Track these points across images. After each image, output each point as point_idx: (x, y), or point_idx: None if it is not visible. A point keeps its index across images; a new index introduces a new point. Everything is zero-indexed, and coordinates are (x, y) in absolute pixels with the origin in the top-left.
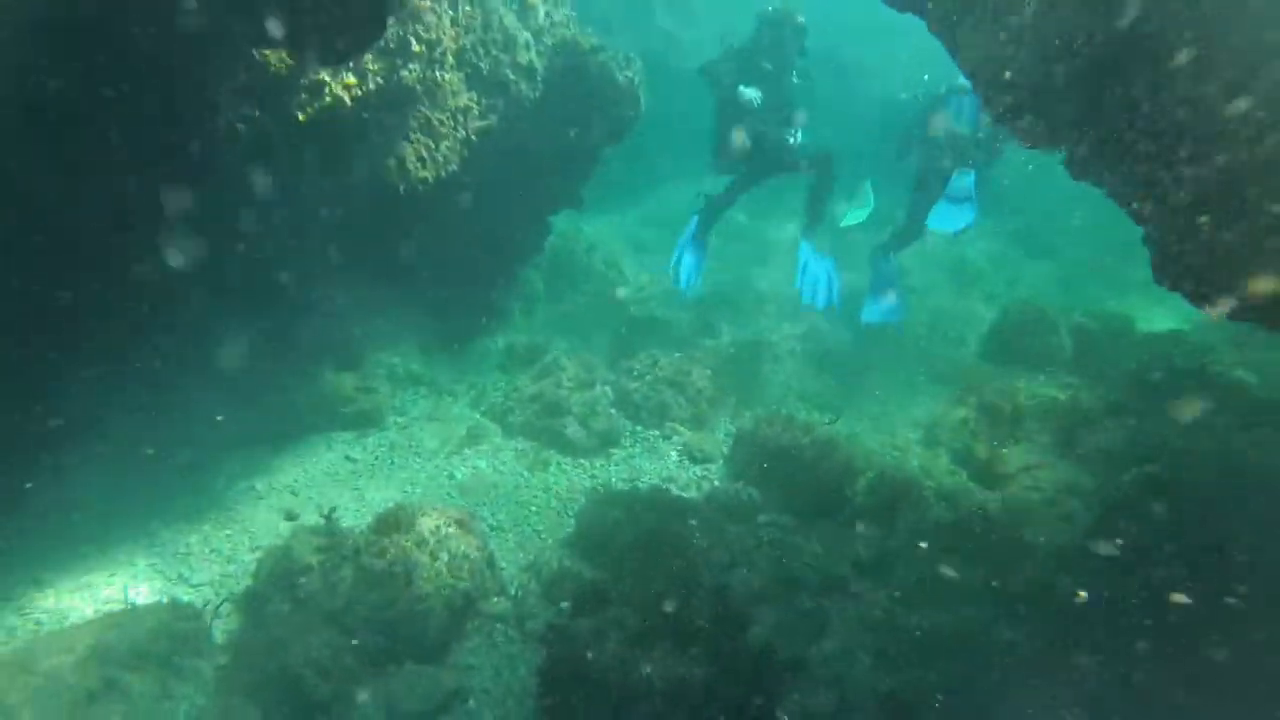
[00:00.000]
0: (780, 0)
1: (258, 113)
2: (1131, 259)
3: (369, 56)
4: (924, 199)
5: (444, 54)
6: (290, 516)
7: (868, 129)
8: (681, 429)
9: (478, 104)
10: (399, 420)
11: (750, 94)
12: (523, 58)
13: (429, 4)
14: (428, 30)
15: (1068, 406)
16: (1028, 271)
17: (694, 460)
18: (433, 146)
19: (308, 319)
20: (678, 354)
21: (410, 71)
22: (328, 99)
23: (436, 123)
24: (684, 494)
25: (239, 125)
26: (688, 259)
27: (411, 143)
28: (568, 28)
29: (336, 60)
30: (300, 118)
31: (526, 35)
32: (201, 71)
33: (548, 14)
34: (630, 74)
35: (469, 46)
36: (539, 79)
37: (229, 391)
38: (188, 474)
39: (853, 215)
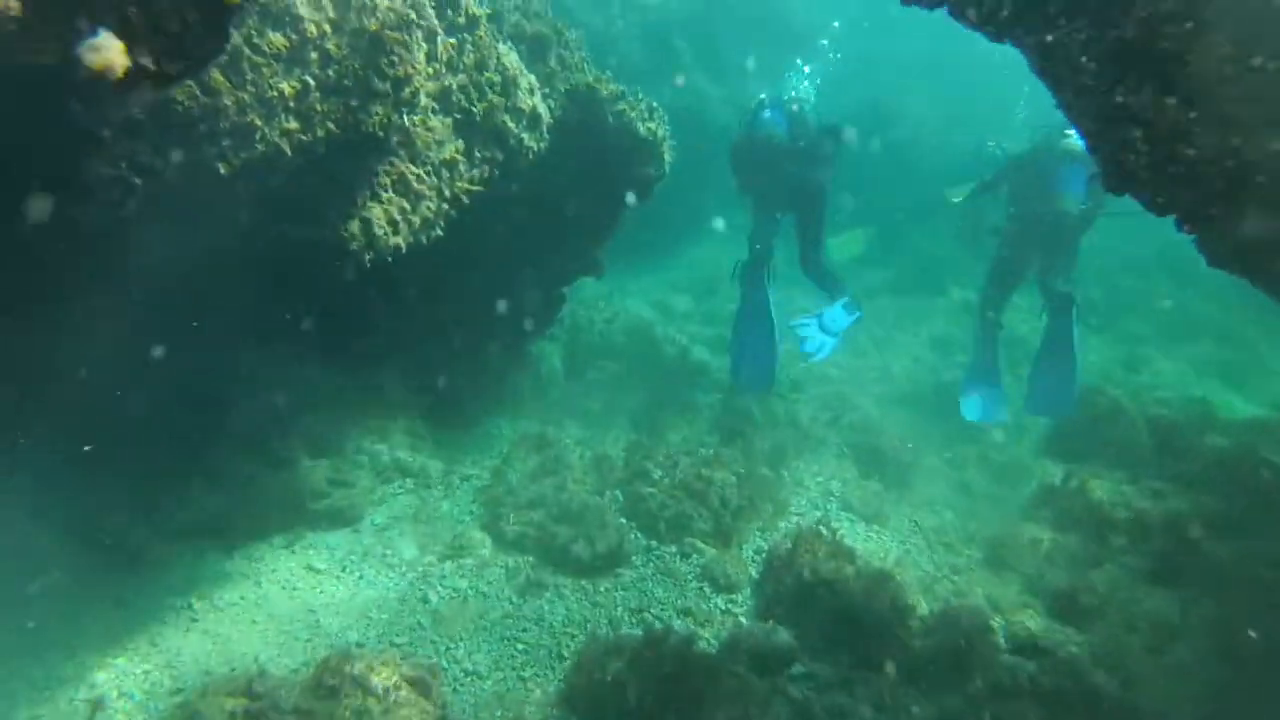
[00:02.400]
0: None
1: (159, 160)
2: (1198, 335)
3: (316, 94)
4: (1009, 265)
5: (415, 94)
6: (94, 708)
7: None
8: (703, 546)
9: (468, 157)
10: (377, 521)
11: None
12: (525, 103)
13: (395, 34)
14: (392, 64)
15: (1161, 522)
16: (1087, 347)
17: (716, 587)
18: (408, 208)
19: (274, 396)
20: (702, 450)
21: (373, 115)
22: (260, 147)
23: (414, 179)
24: (702, 632)
25: (134, 178)
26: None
27: (381, 203)
28: (583, 71)
29: (155, 84)
30: (222, 169)
31: (530, 79)
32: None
33: (559, 56)
34: (654, 126)
35: (457, 88)
36: (545, 129)
37: (179, 479)
38: (114, 580)
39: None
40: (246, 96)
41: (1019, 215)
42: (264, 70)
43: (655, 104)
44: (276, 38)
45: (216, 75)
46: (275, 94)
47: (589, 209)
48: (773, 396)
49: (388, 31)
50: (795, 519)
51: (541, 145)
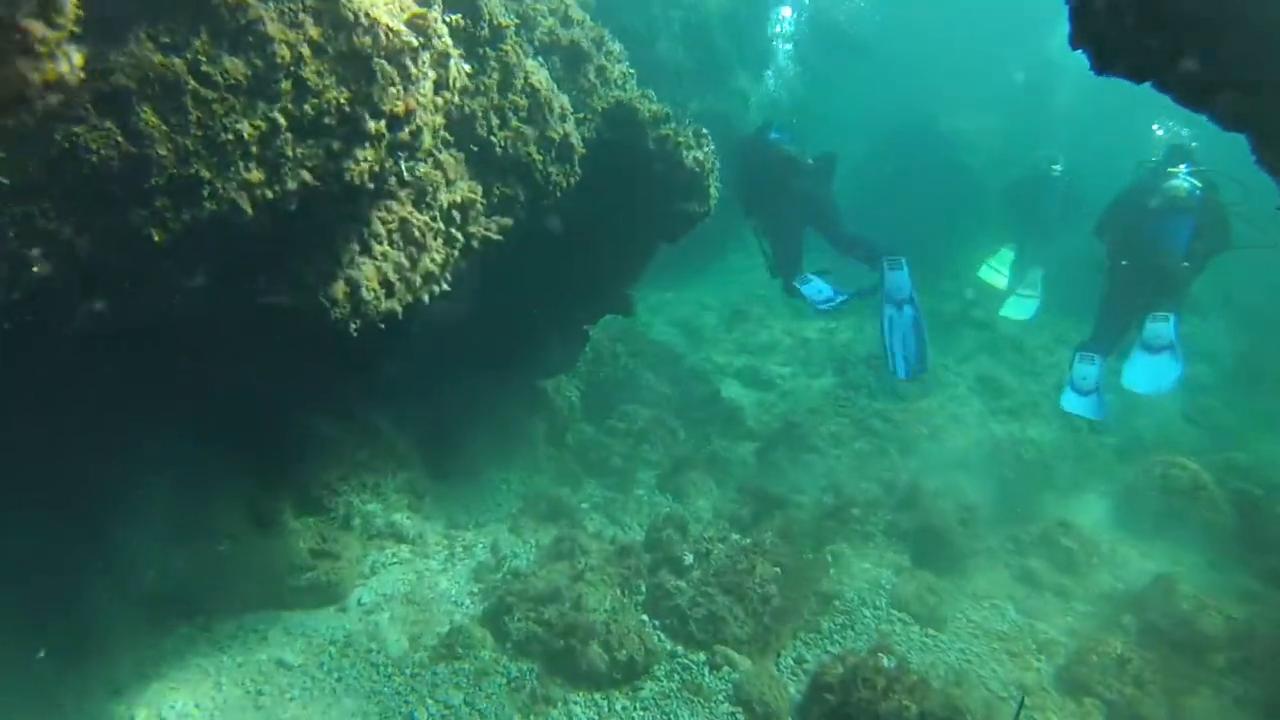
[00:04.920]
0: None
1: (64, 227)
2: (1264, 386)
3: (288, 135)
4: (1116, 308)
5: (417, 133)
6: None
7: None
8: (736, 657)
9: (485, 196)
10: (364, 600)
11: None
12: (555, 131)
13: (393, 59)
14: (388, 98)
15: (1266, 642)
16: (1147, 400)
17: (752, 715)
18: (407, 264)
19: (258, 446)
20: (738, 536)
21: (361, 162)
22: (209, 205)
23: (416, 226)
24: None
25: (28, 250)
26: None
27: (374, 258)
28: (622, 88)
29: None
30: (155, 236)
31: (563, 100)
32: None
33: (598, 68)
34: (700, 156)
35: (477, 114)
36: (576, 162)
37: (147, 533)
38: (56, 668)
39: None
40: (190, 143)
41: (1125, 260)
42: (215, 107)
43: (704, 130)
44: (234, 65)
45: (149, 115)
46: (231, 138)
47: (621, 245)
48: (812, 453)
49: (382, 58)
50: (841, 618)
51: (572, 180)
